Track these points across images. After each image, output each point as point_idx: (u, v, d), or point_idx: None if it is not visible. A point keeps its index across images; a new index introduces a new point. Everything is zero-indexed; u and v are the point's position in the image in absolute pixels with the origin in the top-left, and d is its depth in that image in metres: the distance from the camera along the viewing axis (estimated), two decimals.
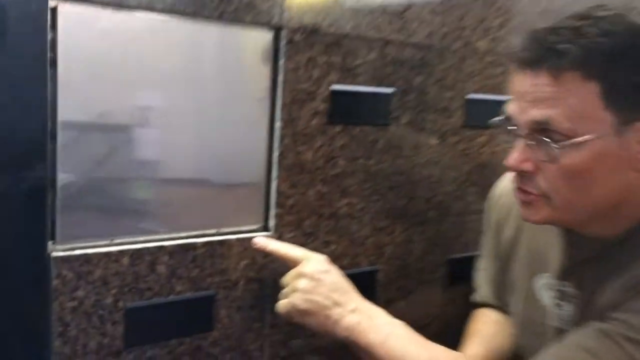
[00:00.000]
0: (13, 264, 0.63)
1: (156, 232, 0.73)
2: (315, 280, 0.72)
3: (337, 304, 0.72)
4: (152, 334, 0.73)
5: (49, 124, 0.64)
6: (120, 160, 0.69)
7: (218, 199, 0.78)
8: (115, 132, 0.69)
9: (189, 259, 0.75)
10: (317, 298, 0.72)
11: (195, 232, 0.76)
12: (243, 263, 0.80)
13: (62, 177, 0.65)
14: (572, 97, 0.57)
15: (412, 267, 0.99)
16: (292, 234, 0.84)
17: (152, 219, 0.73)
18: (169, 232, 0.74)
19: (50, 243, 0.66)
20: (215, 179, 0.77)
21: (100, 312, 0.69)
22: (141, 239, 0.72)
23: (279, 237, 0.82)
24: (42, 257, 0.65)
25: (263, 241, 0.78)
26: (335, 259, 0.85)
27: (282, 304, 0.76)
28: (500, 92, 1.05)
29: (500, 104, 1.07)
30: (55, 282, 0.65)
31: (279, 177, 0.82)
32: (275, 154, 0.81)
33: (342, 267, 0.79)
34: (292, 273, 0.76)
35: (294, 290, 0.74)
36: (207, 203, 0.77)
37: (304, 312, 0.73)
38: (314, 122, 0.84)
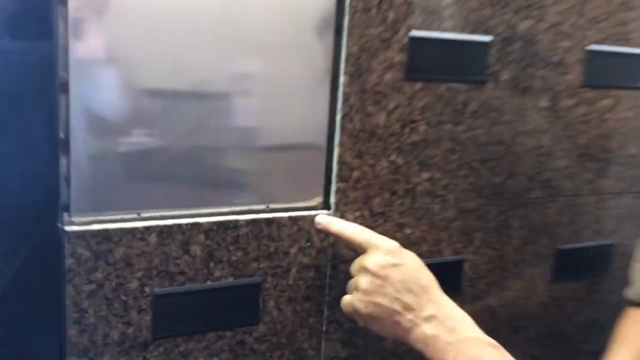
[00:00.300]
0: (20, 239, 0.53)
1: (190, 207, 0.61)
2: (380, 278, 0.57)
3: (408, 308, 0.57)
4: (185, 326, 0.62)
5: (60, 70, 0.53)
6: (150, 123, 0.57)
7: (267, 170, 0.65)
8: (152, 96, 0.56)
9: (230, 239, 0.62)
10: (382, 301, 0.57)
11: (239, 208, 0.63)
12: (296, 246, 0.66)
13: (77, 137, 0.54)
14: None
15: (509, 258, 0.81)
16: (357, 214, 0.69)
17: (186, 191, 0.60)
18: (206, 206, 0.61)
19: (65, 215, 0.55)
20: (264, 145, 0.64)
21: (123, 297, 0.58)
22: (172, 214, 0.60)
23: (341, 217, 0.68)
24: (54, 232, 0.54)
25: (326, 220, 0.64)
26: (410, 246, 0.69)
27: (344, 303, 0.62)
28: (633, 44, 0.82)
29: (632, 58, 0.84)
30: (69, 262, 0.55)
31: (342, 144, 0.66)
32: (339, 116, 0.66)
33: (420, 257, 0.63)
34: (356, 263, 0.62)
35: (356, 288, 0.59)
36: (253, 174, 0.64)
37: (368, 317, 0.58)
38: (388, 76, 0.68)
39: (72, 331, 0.57)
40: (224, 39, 0.59)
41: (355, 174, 0.68)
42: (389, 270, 0.58)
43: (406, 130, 0.70)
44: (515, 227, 0.80)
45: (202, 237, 0.61)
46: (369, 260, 0.59)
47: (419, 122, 0.71)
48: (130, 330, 0.60)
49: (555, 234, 0.84)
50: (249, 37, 0.60)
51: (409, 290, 0.58)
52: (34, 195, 0.53)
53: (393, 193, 0.71)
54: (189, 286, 0.62)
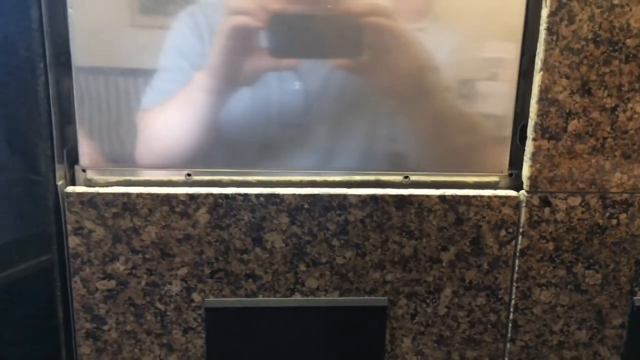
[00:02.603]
0: (11, 201, 0.35)
1: (269, 169, 0.36)
2: None
3: None
4: (254, 356, 0.37)
5: None
6: None
7: (404, 121, 0.36)
8: None
9: (333, 227, 0.36)
10: None
11: (350, 177, 0.36)
12: (454, 249, 0.37)
13: (80, 47, 0.33)
14: None
15: None
16: (573, 200, 0.37)
17: (265, 147, 0.36)
18: (292, 169, 0.36)
19: (68, 168, 0.35)
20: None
21: (160, 306, 0.36)
22: (238, 179, 0.36)
23: (542, 203, 0.36)
24: (50, 193, 0.34)
25: None
26: None
27: None
28: None
29: None
30: (73, 242, 0.35)
31: (549, 66, 0.35)
32: (544, 13, 0.35)
33: None
34: None
35: None
36: (381, 124, 0.36)
37: None
38: None
39: (84, 349, 0.37)
40: None
41: (575, 125, 0.36)
42: None
43: None
44: None
45: (285, 218, 0.36)
46: None
47: None
48: (172, 359, 0.38)
49: None
50: None
51: None
52: (21, 138, 0.34)
53: None
54: (265, 299, 0.37)
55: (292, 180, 0.37)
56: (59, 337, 0.37)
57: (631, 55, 0.35)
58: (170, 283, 0.37)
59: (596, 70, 0.35)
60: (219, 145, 0.36)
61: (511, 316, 0.39)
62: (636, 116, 0.36)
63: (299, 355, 0.38)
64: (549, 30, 0.35)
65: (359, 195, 0.36)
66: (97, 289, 0.36)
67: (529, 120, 0.37)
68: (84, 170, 0.36)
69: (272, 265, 0.37)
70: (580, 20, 0.35)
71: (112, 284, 0.36)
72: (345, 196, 0.36)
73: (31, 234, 0.35)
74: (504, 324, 0.39)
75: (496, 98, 0.37)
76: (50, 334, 0.37)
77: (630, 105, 0.36)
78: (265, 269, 0.37)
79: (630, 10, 0.35)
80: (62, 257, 0.36)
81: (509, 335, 0.39)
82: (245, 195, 0.36)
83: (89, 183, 0.36)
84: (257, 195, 0.36)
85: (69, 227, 0.35)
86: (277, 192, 0.36)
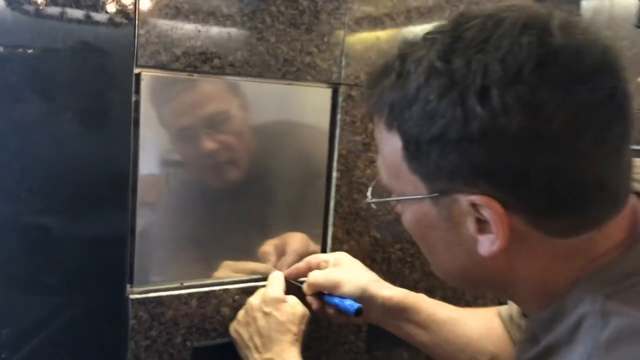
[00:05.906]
0: (95, 304, 0.70)
1: (221, 277, 0.78)
2: (249, 316, 0.72)
3: (256, 349, 0.70)
4: None
5: (131, 179, 0.71)
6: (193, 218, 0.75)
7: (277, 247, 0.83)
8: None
9: (246, 294, 0.80)
10: (243, 334, 0.72)
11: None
12: None
13: (140, 225, 0.72)
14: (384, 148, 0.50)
15: None
16: None
17: (215, 263, 0.78)
18: (233, 277, 0.79)
19: (128, 286, 0.72)
20: (276, 225, 0.83)
21: (171, 350, 0.74)
22: (208, 282, 0.77)
23: None
24: (121, 299, 0.71)
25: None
26: None
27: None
28: None
29: None
30: (132, 322, 0.71)
31: (334, 224, 0.86)
32: (332, 203, 0.86)
33: None
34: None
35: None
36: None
37: (233, 339, 0.74)
38: (369, 171, 0.88)
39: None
40: None
41: (345, 247, 0.88)
42: (258, 314, 0.71)
43: (382, 212, 0.91)
44: None
45: (230, 300, 0.79)
46: (252, 297, 0.74)
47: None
48: None
49: None
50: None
51: (263, 336, 0.69)
52: (107, 271, 0.70)
53: (373, 260, 0.91)
54: (219, 340, 0.78)
55: (240, 279, 0.80)
56: (121, 350, 0.72)
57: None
58: (174, 334, 0.76)
59: (352, 225, 0.88)
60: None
61: (325, 331, 0.88)
62: (366, 244, 0.90)
63: None
64: (336, 208, 0.87)
65: (263, 286, 0.82)
66: (141, 345, 0.73)
67: (328, 244, 0.87)
68: (131, 286, 0.74)
69: (224, 322, 0.79)
70: (348, 204, 0.87)
71: (148, 342, 0.74)
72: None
73: (109, 322, 0.71)
74: (323, 336, 0.88)
75: (315, 235, 0.87)
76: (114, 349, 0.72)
77: (367, 237, 0.90)
78: (221, 325, 0.79)
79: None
80: (126, 330, 0.72)
81: (325, 341, 0.88)
82: (214, 290, 0.78)
83: (134, 292, 0.74)
84: (221, 289, 0.78)
85: (130, 315, 0.72)
86: (229, 288, 0.79)
